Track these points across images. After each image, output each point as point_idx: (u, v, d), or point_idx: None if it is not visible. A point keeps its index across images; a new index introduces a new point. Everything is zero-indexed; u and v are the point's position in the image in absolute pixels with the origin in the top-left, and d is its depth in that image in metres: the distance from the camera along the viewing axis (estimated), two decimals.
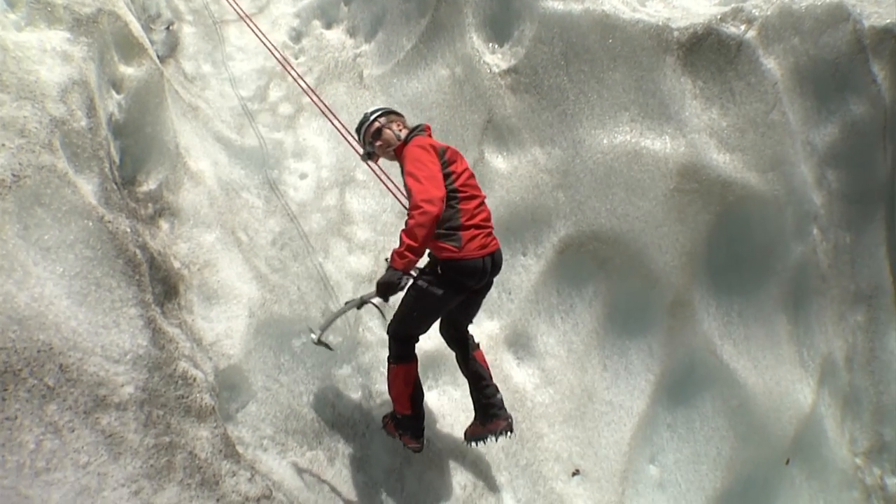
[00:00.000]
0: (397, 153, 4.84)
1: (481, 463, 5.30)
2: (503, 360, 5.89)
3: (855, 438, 8.05)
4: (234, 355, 4.46)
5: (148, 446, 3.29)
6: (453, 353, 5.40)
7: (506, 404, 5.55)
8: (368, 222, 5.99)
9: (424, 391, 5.54)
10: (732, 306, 6.87)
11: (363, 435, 4.91)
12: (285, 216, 5.62)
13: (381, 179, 5.47)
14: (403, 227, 4.25)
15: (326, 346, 4.85)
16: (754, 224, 6.91)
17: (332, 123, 5.73)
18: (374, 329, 5.45)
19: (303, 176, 5.99)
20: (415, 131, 4.88)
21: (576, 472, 5.00)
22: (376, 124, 4.98)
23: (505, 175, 6.45)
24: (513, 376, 5.91)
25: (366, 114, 5.08)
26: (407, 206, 4.43)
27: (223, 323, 4.58)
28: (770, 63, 7.11)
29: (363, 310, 5.50)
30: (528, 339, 6.09)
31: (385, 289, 4.34)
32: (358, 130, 5.11)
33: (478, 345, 5.19)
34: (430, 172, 4.41)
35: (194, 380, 3.81)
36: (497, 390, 5.12)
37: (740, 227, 6.82)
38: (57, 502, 2.79)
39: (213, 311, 4.62)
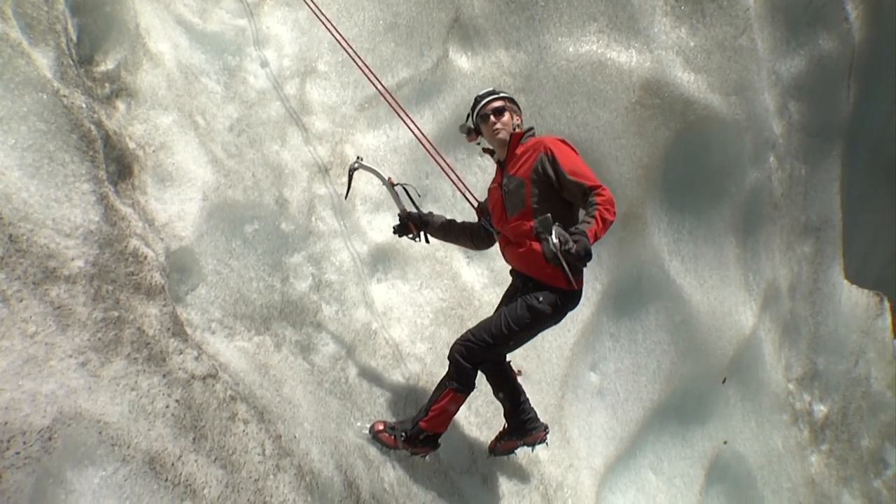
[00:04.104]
0: (514, 141, 4.45)
1: (426, 357, 5.42)
2: (453, 259, 5.96)
3: (790, 364, 8.37)
4: (186, 237, 4.45)
5: (96, 320, 3.32)
6: (403, 249, 5.47)
7: (453, 300, 5.66)
8: (327, 113, 5.93)
9: (375, 284, 5.60)
10: (684, 224, 7.02)
11: (310, 323, 4.96)
12: (244, 102, 5.56)
13: (358, 64, 5.43)
14: (599, 213, 3.86)
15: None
16: (713, 145, 7.01)
17: (308, 5, 5.68)
18: (326, 219, 5.43)
19: (264, 64, 5.89)
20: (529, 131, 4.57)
21: (518, 373, 5.14)
22: (499, 103, 4.55)
23: (467, 75, 6.39)
24: (462, 274, 5.99)
25: (495, 90, 4.69)
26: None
27: (176, 205, 4.56)
28: None
29: (316, 200, 5.51)
30: None
31: (585, 257, 3.75)
32: (477, 101, 4.65)
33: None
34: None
35: (145, 258, 3.83)
36: (528, 401, 4.95)
37: (698, 147, 6.91)
38: (4, 369, 2.81)
39: (167, 192, 4.59)
